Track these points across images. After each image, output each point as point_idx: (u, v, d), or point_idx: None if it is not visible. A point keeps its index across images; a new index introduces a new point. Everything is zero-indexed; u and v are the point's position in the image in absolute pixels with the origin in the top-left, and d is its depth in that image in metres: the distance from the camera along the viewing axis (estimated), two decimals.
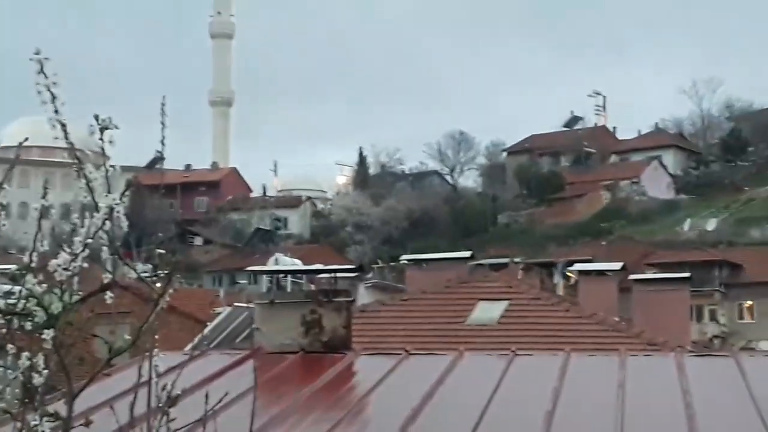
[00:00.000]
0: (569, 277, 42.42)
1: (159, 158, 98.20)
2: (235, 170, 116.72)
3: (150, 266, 3.20)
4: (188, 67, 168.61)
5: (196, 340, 23.85)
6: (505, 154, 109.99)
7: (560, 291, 44.03)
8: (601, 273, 32.73)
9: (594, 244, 79.20)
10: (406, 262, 34.21)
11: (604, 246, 76.38)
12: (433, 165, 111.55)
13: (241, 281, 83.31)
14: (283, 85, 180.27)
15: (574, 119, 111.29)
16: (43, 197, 3.19)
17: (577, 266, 37.50)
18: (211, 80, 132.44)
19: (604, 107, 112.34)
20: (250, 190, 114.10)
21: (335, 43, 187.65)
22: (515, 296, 25.27)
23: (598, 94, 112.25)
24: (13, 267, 3.18)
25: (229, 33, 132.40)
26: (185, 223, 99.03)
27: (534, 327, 22.63)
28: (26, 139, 3.43)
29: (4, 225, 3.09)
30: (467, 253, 33.17)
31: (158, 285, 3.19)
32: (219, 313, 28.51)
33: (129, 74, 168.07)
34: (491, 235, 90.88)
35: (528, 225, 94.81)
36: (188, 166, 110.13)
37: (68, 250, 2.98)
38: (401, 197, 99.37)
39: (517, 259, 66.93)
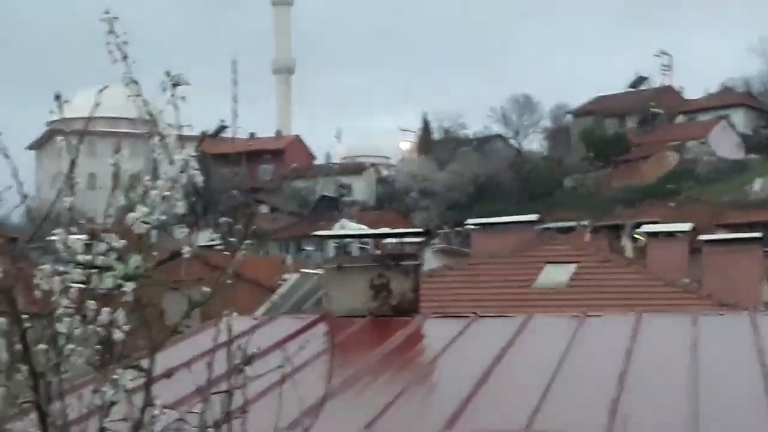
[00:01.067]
0: (637, 239, 42.01)
1: (224, 126, 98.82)
2: (298, 138, 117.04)
3: (218, 235, 3.20)
4: (247, 36, 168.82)
5: (265, 306, 24.00)
6: (570, 116, 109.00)
7: (629, 253, 43.65)
8: (670, 235, 32.43)
9: (662, 206, 78.35)
10: (472, 226, 34.06)
11: (672, 208, 75.57)
12: (497, 129, 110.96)
13: (307, 248, 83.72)
14: (342, 51, 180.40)
15: (640, 80, 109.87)
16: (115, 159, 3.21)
17: (646, 228, 37.16)
18: (273, 48, 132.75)
19: (670, 67, 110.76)
20: (314, 158, 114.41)
21: (393, 7, 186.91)
22: (583, 259, 25.13)
23: (664, 53, 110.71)
24: (84, 237, 3.20)
25: (289, 0, 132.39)
26: (251, 191, 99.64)
27: (603, 290, 22.49)
28: (98, 106, 3.42)
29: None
30: (534, 217, 33.02)
31: (226, 253, 3.19)
32: (287, 280, 28.64)
33: (184, 43, 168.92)
34: (557, 198, 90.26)
35: (594, 188, 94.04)
36: (252, 135, 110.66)
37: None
38: (465, 162, 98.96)
39: (584, 222, 66.39)
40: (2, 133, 2.84)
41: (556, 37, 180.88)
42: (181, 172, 2.98)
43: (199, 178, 3.00)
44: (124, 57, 2.93)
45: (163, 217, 2.99)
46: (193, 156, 2.99)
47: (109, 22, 2.92)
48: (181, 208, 3.04)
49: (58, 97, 3.02)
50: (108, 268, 3.01)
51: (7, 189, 3.04)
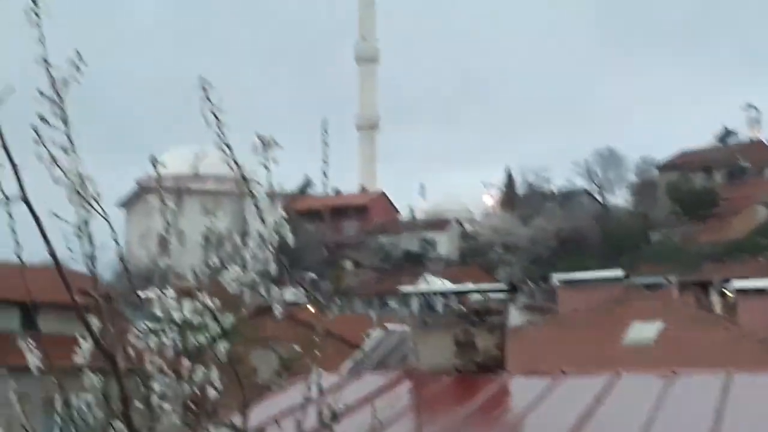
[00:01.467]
0: (727, 295, 41.25)
1: (310, 183, 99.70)
2: (382, 193, 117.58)
3: (302, 291, 3.27)
4: (330, 91, 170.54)
5: (350, 362, 24.02)
6: (655, 170, 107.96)
7: (718, 310, 42.86)
8: (761, 291, 31.78)
9: (752, 261, 76.97)
10: (557, 282, 33.80)
11: (763, 263, 74.15)
12: (581, 183, 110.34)
13: (391, 304, 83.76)
14: (426, 107, 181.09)
15: (727, 133, 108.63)
16: (209, 221, 3.29)
17: (735, 284, 36.50)
18: (357, 104, 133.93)
19: (758, 120, 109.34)
20: (398, 213, 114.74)
21: (475, 63, 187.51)
22: (671, 316, 24.77)
23: (752, 107, 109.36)
24: (172, 293, 3.26)
25: (374, 57, 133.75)
26: (335, 247, 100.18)
27: (691, 348, 22.12)
28: (195, 169, 3.52)
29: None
30: (620, 272, 32.67)
31: (311, 308, 3.25)
32: (371, 336, 28.62)
33: (267, 103, 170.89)
34: (643, 253, 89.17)
35: (682, 243, 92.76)
36: (337, 191, 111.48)
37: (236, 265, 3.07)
38: (550, 216, 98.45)
39: (671, 278, 65.47)
40: (100, 195, 2.92)
41: (641, 89, 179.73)
42: (274, 232, 3.04)
43: (290, 238, 3.06)
44: (218, 122, 3.00)
45: (256, 278, 3.05)
46: (284, 217, 3.05)
47: (204, 89, 2.99)
48: (271, 267, 3.10)
49: (154, 163, 3.11)
50: (202, 327, 3.08)
51: (102, 248, 3.11)
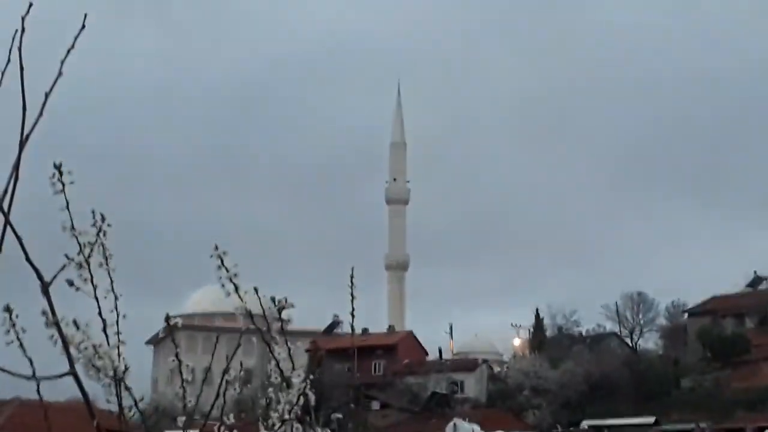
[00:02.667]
0: None
1: (338, 322, 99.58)
2: (411, 333, 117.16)
3: (329, 431, 3.29)
4: (360, 231, 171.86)
5: None
6: (686, 315, 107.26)
7: None
8: None
9: None
10: (586, 427, 33.35)
11: None
12: (611, 326, 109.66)
13: None
14: (453, 246, 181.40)
15: (758, 279, 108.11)
16: (227, 366, 3.36)
17: None
18: (387, 244, 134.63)
19: None
20: (426, 353, 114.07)
21: (501, 205, 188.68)
22: None
23: None
24: None
25: (404, 198, 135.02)
26: (363, 386, 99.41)
27: None
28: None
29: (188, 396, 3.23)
30: (651, 419, 32.31)
31: None
32: None
33: (294, 241, 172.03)
34: (674, 399, 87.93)
35: (713, 389, 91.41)
36: (365, 330, 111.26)
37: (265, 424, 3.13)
38: (579, 360, 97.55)
39: (702, 425, 64.53)
40: (124, 343, 2.99)
41: (665, 233, 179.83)
42: (299, 395, 3.12)
43: (312, 398, 3.13)
44: (236, 289, 3.09)
45: (295, 427, 3.11)
46: (311, 378, 3.12)
47: (219, 257, 3.08)
48: (298, 408, 3.15)
49: (167, 321, 3.20)
50: None
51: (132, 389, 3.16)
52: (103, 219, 2.89)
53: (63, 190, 2.80)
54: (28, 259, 2.70)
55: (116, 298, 2.98)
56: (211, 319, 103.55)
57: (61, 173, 2.80)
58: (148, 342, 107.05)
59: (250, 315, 3.12)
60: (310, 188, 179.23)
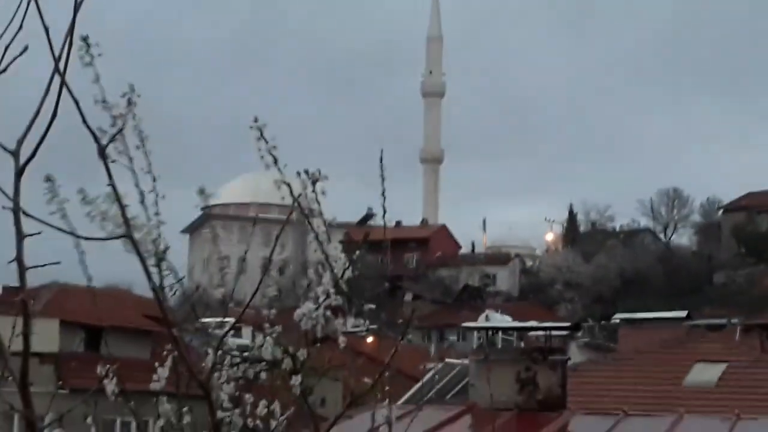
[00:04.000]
0: None
1: (371, 215, 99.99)
2: (444, 227, 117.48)
3: (361, 321, 3.29)
4: (396, 124, 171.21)
5: (408, 394, 23.94)
6: (720, 212, 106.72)
7: None
8: None
9: None
10: (618, 321, 33.55)
11: None
12: (645, 222, 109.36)
13: (450, 337, 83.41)
14: (488, 140, 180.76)
15: None
16: (272, 252, 3.32)
17: None
18: (422, 137, 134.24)
19: None
20: (459, 247, 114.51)
21: (541, 98, 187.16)
22: (734, 358, 24.39)
23: None
24: (232, 320, 3.29)
25: (440, 91, 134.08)
26: (395, 278, 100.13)
27: (755, 390, 21.74)
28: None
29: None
30: (683, 313, 32.42)
31: (370, 339, 3.27)
32: (430, 369, 28.57)
33: (329, 133, 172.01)
34: (707, 295, 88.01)
35: (746, 285, 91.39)
36: (398, 223, 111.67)
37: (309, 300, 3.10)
38: (612, 255, 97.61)
39: (734, 320, 64.51)
40: (165, 222, 2.96)
41: (706, 132, 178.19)
42: (343, 272, 3.08)
43: (353, 274, 3.10)
44: (275, 161, 3.05)
45: (328, 314, 3.09)
46: (355, 256, 3.09)
47: (258, 129, 3.04)
48: (339, 301, 3.13)
49: (202, 192, 3.14)
50: (276, 362, 3.13)
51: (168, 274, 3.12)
52: (132, 90, 2.89)
53: (92, 63, 2.81)
54: (85, 121, 2.72)
55: (154, 180, 2.97)
56: (246, 209, 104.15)
57: (88, 45, 2.81)
58: (184, 231, 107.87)
59: (290, 189, 3.06)
60: (345, 79, 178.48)
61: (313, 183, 3.06)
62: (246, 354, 3.19)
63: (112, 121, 2.84)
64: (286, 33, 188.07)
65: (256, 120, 3.03)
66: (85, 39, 2.80)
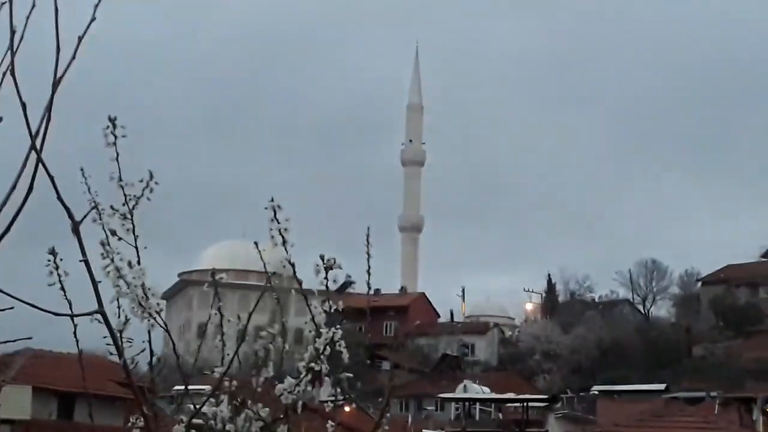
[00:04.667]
0: None
1: (350, 282, 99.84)
2: (423, 295, 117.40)
3: (338, 390, 3.27)
4: (378, 193, 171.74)
5: None
6: (699, 284, 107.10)
7: (760, 428, 42.09)
8: None
9: None
10: (596, 392, 33.47)
11: None
12: (624, 293, 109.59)
13: (428, 407, 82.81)
14: (468, 209, 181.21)
15: None
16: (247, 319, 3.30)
17: None
18: (401, 206, 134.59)
19: None
20: (438, 316, 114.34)
21: (520, 168, 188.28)
22: None
23: None
24: (207, 387, 3.25)
25: (420, 160, 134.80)
26: (374, 347, 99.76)
27: None
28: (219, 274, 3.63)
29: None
30: (661, 386, 32.44)
31: (347, 409, 3.25)
32: None
33: (302, 198, 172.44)
34: (685, 367, 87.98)
35: (725, 358, 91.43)
36: (377, 291, 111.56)
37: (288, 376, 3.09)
38: (591, 326, 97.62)
39: (713, 393, 64.50)
40: (162, 307, 3.04)
41: (684, 204, 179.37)
42: (327, 346, 3.09)
43: (346, 354, 3.12)
44: (284, 242, 3.11)
45: (308, 388, 3.09)
46: (340, 332, 3.12)
47: (272, 209, 3.11)
48: (322, 376, 3.13)
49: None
50: None
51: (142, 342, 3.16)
52: (151, 176, 3.06)
53: (115, 143, 2.97)
54: (59, 197, 2.77)
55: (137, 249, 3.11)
56: (223, 276, 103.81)
57: (114, 126, 2.96)
58: (162, 297, 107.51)
59: (293, 270, 3.12)
60: (324, 147, 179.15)
61: (327, 270, 3.10)
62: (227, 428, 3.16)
63: (124, 199, 3.02)
64: (264, 98, 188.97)
65: (272, 200, 3.11)
66: (112, 120, 2.96)
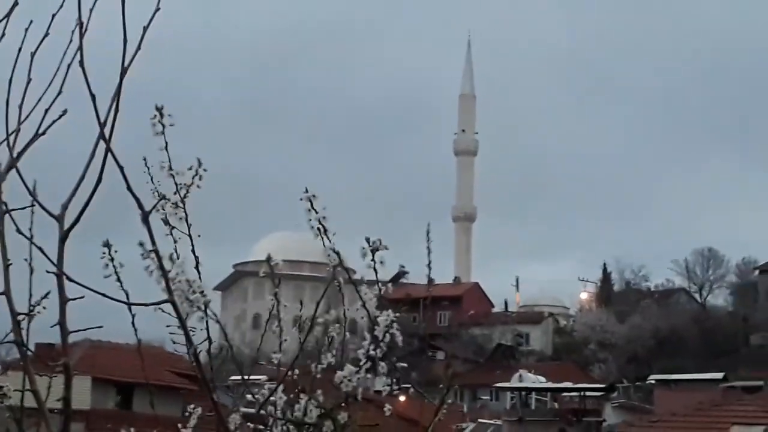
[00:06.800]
0: None
1: (404, 272, 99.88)
2: (476, 285, 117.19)
3: (393, 379, 3.29)
4: (427, 183, 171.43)
5: None
6: (756, 272, 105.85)
7: None
8: None
9: None
10: (653, 382, 33.22)
11: None
12: (680, 282, 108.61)
13: (482, 397, 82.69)
14: (521, 198, 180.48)
15: None
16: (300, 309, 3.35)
17: None
18: (454, 196, 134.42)
19: None
20: (492, 305, 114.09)
21: (572, 157, 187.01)
22: None
23: None
24: (263, 377, 3.28)
25: (473, 150, 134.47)
26: (428, 337, 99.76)
27: None
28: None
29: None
30: (719, 375, 32.02)
31: (402, 398, 3.26)
32: (463, 429, 28.36)
33: (355, 189, 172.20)
34: (743, 356, 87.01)
35: None
36: (431, 281, 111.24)
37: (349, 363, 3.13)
38: (647, 315, 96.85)
39: None
40: (209, 299, 3.02)
41: (742, 190, 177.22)
42: (384, 333, 3.10)
43: (399, 338, 3.12)
44: (325, 231, 3.11)
45: (368, 376, 3.11)
46: (395, 317, 3.13)
47: (308, 200, 3.11)
48: (382, 367, 3.14)
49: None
50: (317, 425, 3.15)
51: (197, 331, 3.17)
52: (200, 164, 3.03)
53: (163, 132, 2.94)
54: (129, 188, 2.75)
55: (192, 239, 3.08)
56: (278, 266, 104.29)
57: (162, 115, 2.94)
58: (216, 288, 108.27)
59: (339, 258, 3.11)
60: (370, 138, 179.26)
61: (373, 252, 3.09)
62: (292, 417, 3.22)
63: (176, 188, 2.98)
64: (311, 91, 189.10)
65: (306, 190, 3.12)
66: (159, 109, 2.93)
